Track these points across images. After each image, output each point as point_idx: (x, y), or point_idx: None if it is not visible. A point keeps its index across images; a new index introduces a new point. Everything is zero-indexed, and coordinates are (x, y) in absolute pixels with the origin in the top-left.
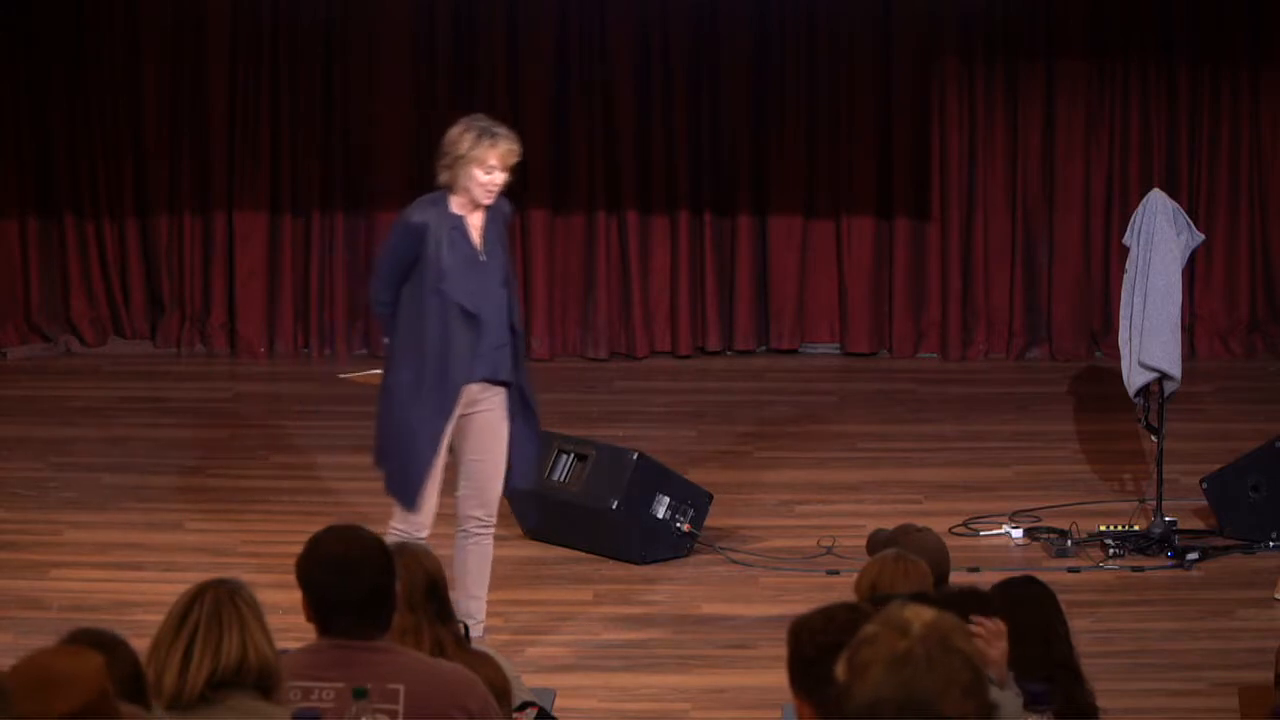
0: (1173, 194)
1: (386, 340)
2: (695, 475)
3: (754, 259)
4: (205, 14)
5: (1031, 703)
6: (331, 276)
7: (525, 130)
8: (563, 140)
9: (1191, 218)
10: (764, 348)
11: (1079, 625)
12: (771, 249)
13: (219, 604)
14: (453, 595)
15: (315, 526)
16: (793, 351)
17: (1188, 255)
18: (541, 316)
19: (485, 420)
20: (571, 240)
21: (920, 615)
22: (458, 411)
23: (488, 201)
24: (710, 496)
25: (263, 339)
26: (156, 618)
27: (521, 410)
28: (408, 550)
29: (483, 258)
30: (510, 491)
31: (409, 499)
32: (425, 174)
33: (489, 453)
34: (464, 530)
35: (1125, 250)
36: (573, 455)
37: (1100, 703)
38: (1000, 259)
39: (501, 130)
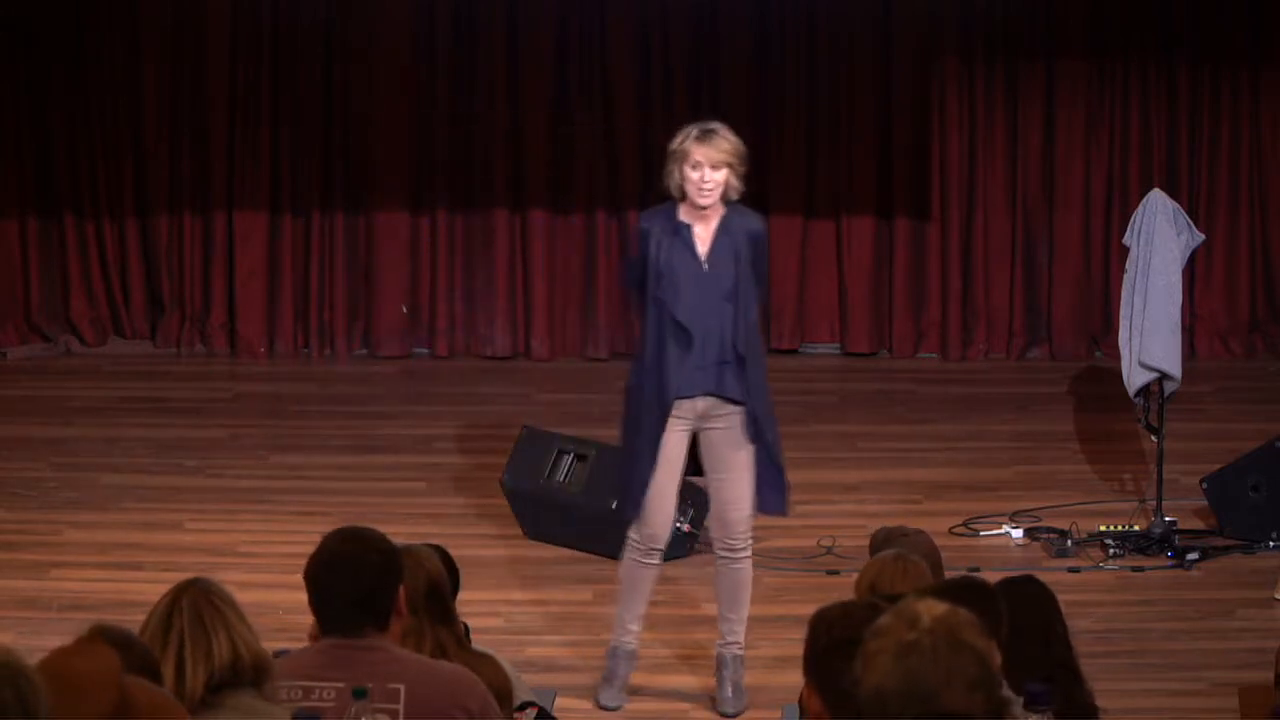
0: (1173, 194)
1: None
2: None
3: None
4: (205, 14)
5: (1031, 703)
6: (331, 276)
7: (525, 130)
8: (563, 140)
9: (1191, 218)
10: None
11: (1079, 625)
12: (771, 249)
13: (198, 608)
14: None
15: (315, 526)
16: (793, 351)
17: (1188, 255)
18: (542, 316)
19: (719, 438)
20: (571, 240)
21: (932, 609)
22: (685, 422)
23: (702, 201)
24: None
25: (263, 339)
26: None
27: (756, 436)
28: (409, 552)
29: (705, 268)
30: (509, 493)
31: (629, 507)
32: (425, 174)
33: (726, 473)
34: (716, 552)
35: (1125, 250)
36: (573, 455)
37: (1100, 703)
38: (1000, 259)
39: (715, 128)
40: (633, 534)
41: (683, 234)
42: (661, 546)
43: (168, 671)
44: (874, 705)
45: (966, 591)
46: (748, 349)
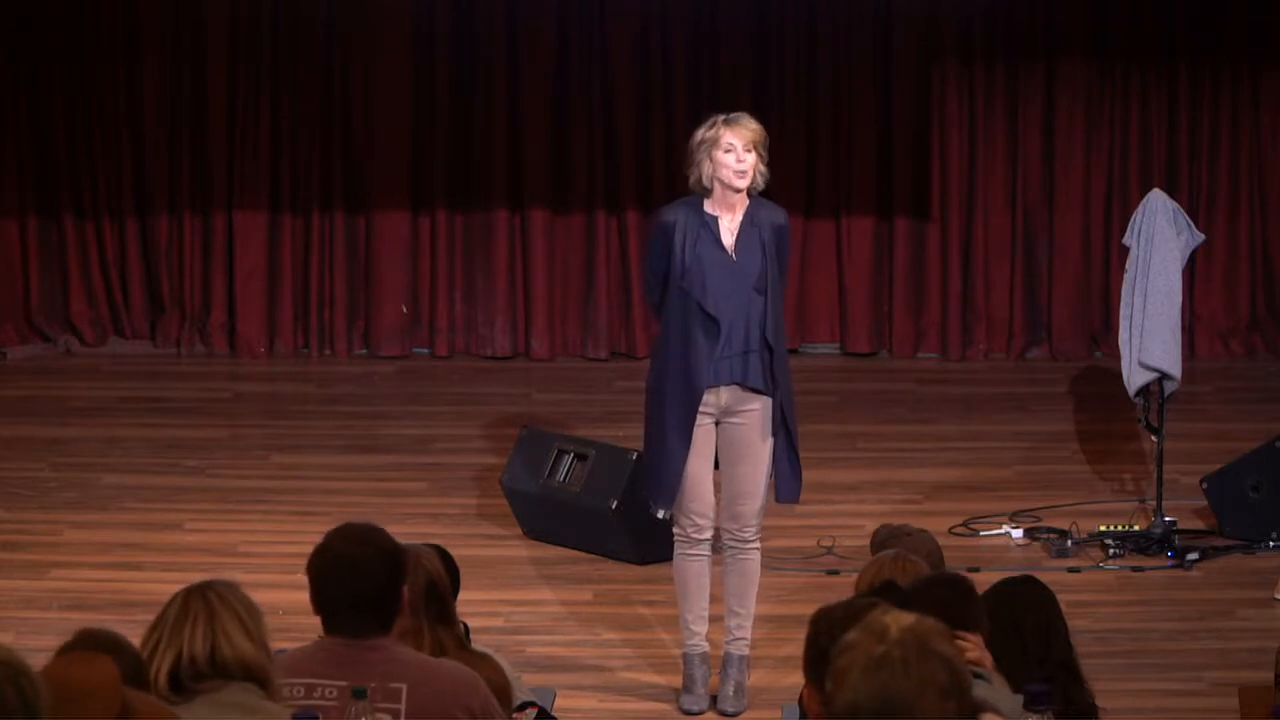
0: (1173, 194)
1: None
2: None
3: None
4: (205, 13)
5: (1031, 703)
6: (331, 276)
7: (525, 130)
8: (563, 140)
9: (1191, 218)
10: None
11: (1079, 625)
12: None
13: (188, 600)
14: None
15: (315, 526)
16: (793, 351)
17: (1188, 255)
18: (541, 316)
19: (738, 433)
20: (571, 240)
21: (899, 620)
22: (710, 414)
23: (738, 183)
24: None
25: (263, 339)
26: None
27: (780, 426)
28: (409, 552)
29: (733, 259)
30: (509, 493)
31: (662, 500)
32: (425, 174)
33: (738, 467)
34: (722, 544)
35: (1125, 250)
36: (573, 455)
37: (1100, 703)
38: (1000, 259)
39: (740, 114)
40: (675, 529)
41: (710, 226)
42: (706, 535)
43: (144, 655)
44: None
45: (944, 586)
46: (777, 339)
